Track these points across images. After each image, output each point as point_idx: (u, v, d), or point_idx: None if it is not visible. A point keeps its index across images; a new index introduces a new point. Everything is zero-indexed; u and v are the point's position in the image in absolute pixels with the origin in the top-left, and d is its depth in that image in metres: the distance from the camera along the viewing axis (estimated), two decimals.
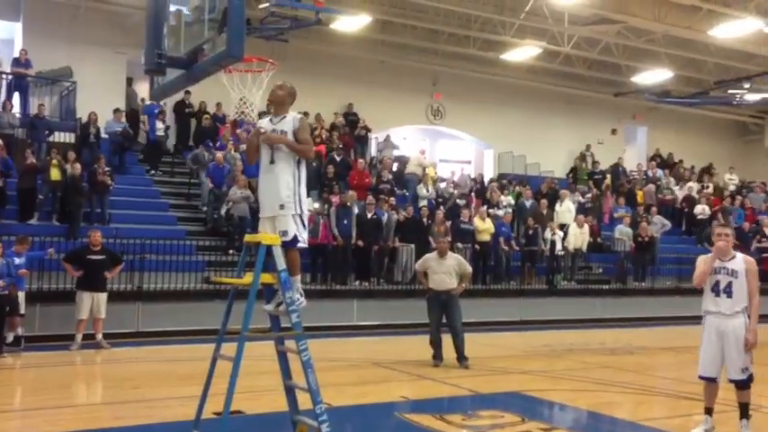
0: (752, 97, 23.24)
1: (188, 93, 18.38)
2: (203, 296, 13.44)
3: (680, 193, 23.34)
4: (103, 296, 11.61)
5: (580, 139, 25.07)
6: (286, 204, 5.73)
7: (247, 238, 6.11)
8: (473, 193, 19.97)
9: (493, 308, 16.20)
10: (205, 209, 16.41)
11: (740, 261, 6.52)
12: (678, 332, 15.54)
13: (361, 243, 15.51)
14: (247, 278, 5.89)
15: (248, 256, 6.23)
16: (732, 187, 24.96)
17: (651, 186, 22.84)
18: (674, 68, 22.46)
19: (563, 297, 17.53)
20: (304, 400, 5.82)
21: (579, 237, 18.28)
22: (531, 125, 24.62)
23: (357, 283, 15.68)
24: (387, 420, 7.63)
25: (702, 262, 6.63)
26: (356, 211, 15.92)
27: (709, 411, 6.64)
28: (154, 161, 17.92)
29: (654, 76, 22.95)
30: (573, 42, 20.71)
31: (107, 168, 15.12)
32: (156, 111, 17.98)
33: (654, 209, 20.88)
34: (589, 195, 21.47)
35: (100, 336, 11.58)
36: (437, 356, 10.64)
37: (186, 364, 10.77)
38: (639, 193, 21.99)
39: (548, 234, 17.73)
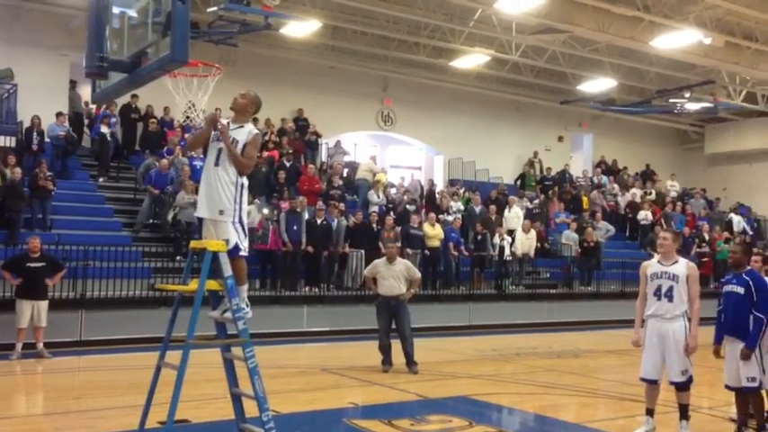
0: (692, 106, 23.94)
1: (135, 96, 18.04)
2: (149, 303, 13.20)
3: (623, 199, 23.90)
4: (44, 304, 11.30)
5: (528, 146, 25.47)
6: (226, 211, 5.67)
7: (193, 244, 6.04)
8: (423, 199, 20.11)
9: (442, 313, 16.33)
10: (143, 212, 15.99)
11: (682, 266, 6.70)
12: (622, 335, 15.73)
13: (311, 249, 15.44)
14: (193, 285, 5.82)
15: (194, 263, 6.15)
16: (674, 194, 25.67)
17: (596, 192, 23.33)
18: (618, 77, 23.01)
19: (511, 302, 17.75)
20: (251, 408, 5.77)
21: (526, 242, 18.55)
22: (481, 131, 24.91)
23: (307, 288, 15.60)
24: (335, 427, 7.62)
25: (643, 276, 6.82)
26: (306, 216, 15.85)
27: (650, 412, 6.80)
28: (102, 166, 17.42)
29: (598, 84, 23.48)
30: (520, 51, 21.04)
31: (49, 173, 14.71)
32: (114, 119, 17.61)
33: (599, 214, 21.32)
34: (537, 201, 21.82)
35: (41, 345, 11.26)
36: (386, 362, 10.65)
37: (130, 372, 10.56)
38: (585, 199, 22.43)
39: (496, 239, 17.94)
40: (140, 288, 13.57)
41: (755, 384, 6.54)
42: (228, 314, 5.78)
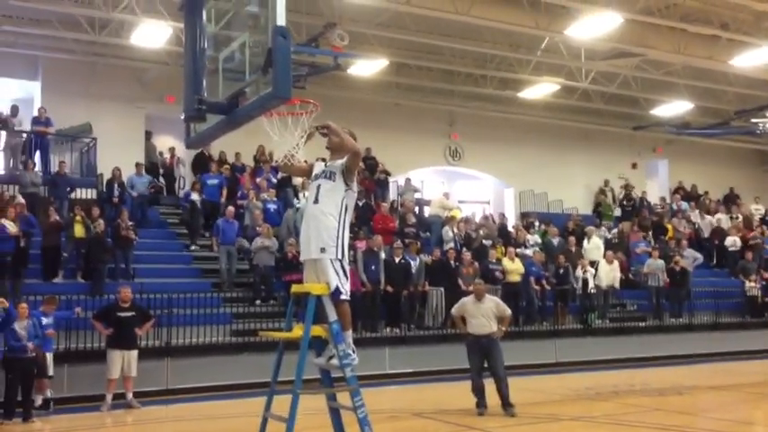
0: None
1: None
2: (231, 349, 13.12)
3: (704, 224, 22.80)
4: (134, 354, 11.26)
5: (600, 175, 24.85)
6: (327, 248, 5.48)
7: (295, 288, 5.83)
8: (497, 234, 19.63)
9: (527, 350, 15.69)
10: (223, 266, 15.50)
11: None
12: (720, 370, 15.04)
13: (390, 288, 15.14)
14: (297, 331, 5.59)
15: (295, 307, 5.93)
16: (758, 217, 24.49)
17: (677, 219, 22.37)
18: (693, 99, 22.26)
19: (598, 336, 16.99)
20: None
21: (610, 273, 17.84)
22: (550, 162, 24.38)
23: (387, 329, 15.26)
24: None
25: None
26: (383, 256, 15.59)
27: None
28: (193, 234, 16.86)
29: (673, 108, 22.76)
30: (590, 77, 20.57)
31: (130, 223, 14.91)
32: (211, 180, 17.47)
33: (684, 242, 20.43)
34: (615, 231, 21.10)
35: (130, 395, 11.19)
36: (481, 404, 10.16)
37: (220, 422, 10.38)
38: (669, 227, 21.54)
39: (579, 272, 17.32)
40: (221, 334, 13.52)
41: None
42: (335, 361, 5.53)
